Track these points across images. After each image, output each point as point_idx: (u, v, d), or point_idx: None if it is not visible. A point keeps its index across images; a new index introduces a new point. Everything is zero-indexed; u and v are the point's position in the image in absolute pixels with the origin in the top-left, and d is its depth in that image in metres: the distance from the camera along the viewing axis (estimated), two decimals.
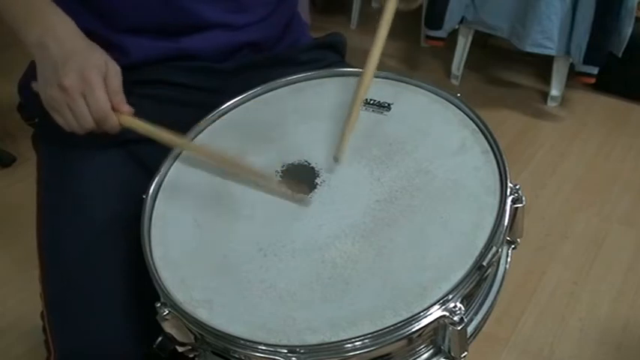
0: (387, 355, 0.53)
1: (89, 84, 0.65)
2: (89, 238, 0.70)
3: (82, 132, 0.68)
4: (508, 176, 0.62)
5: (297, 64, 0.86)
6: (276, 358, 0.50)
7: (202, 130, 0.74)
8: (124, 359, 0.66)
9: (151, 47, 0.78)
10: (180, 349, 0.58)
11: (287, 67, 0.84)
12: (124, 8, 0.75)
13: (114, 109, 0.67)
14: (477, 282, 0.56)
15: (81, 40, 0.69)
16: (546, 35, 1.84)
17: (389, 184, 0.64)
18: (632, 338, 1.34)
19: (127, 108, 0.68)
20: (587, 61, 1.82)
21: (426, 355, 0.56)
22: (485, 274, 0.58)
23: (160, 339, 0.57)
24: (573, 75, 1.92)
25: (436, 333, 0.54)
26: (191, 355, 0.58)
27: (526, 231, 0.66)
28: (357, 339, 0.50)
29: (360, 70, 0.76)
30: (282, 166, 0.68)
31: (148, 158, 0.75)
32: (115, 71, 0.68)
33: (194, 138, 0.73)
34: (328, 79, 0.80)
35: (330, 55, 0.91)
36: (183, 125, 0.72)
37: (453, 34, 2.12)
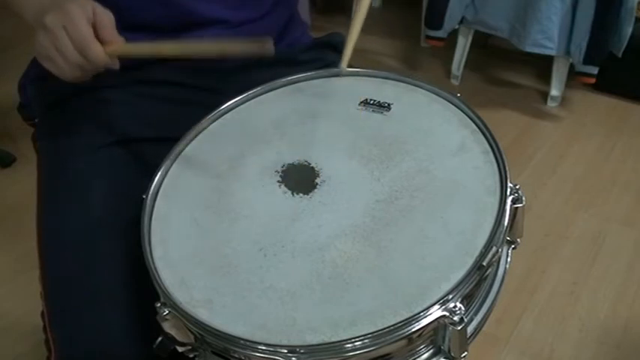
0: (387, 355, 0.53)
1: (68, 15, 0.62)
2: (89, 238, 0.70)
3: (70, 74, 0.65)
4: (508, 176, 0.62)
5: (297, 64, 0.86)
6: (276, 358, 0.50)
7: (202, 130, 0.74)
8: (124, 359, 0.66)
9: None
10: (180, 349, 0.58)
11: (287, 66, 0.84)
12: (121, 6, 0.75)
13: (102, 42, 0.64)
14: (477, 282, 0.56)
15: None
16: (546, 35, 1.84)
17: (389, 184, 0.64)
18: (632, 338, 1.34)
19: (116, 39, 0.65)
20: (587, 61, 1.82)
21: (426, 355, 0.56)
22: (485, 274, 0.58)
23: (160, 339, 0.57)
24: (573, 75, 1.92)
25: (436, 333, 0.54)
26: (191, 355, 0.58)
27: (526, 231, 0.66)
28: (357, 339, 0.50)
29: (359, 69, 0.77)
30: (282, 166, 0.68)
31: (149, 158, 0.75)
32: (102, 10, 0.65)
33: (194, 138, 0.73)
34: (328, 79, 0.80)
35: (329, 55, 0.91)
36: (183, 125, 0.72)
37: (453, 34, 2.12)
